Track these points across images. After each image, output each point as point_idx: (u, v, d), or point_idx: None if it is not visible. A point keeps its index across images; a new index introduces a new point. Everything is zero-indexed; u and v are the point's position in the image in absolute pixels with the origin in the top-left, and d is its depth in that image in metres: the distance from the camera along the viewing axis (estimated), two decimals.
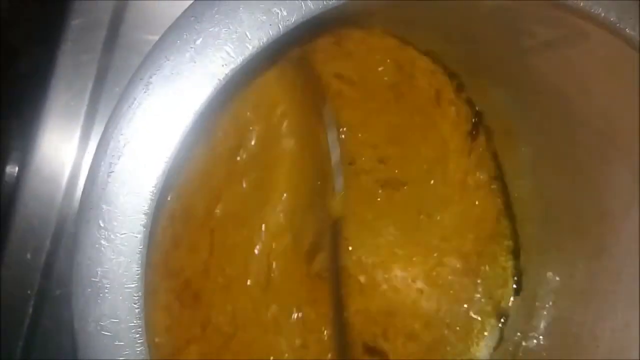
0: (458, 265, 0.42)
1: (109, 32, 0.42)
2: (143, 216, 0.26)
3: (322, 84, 0.38)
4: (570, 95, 0.35)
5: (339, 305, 0.38)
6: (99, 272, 0.26)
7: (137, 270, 0.26)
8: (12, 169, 0.42)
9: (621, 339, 0.36)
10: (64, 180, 0.41)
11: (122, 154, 0.26)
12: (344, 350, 0.38)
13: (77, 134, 0.41)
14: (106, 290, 0.26)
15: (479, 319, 0.43)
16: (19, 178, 0.41)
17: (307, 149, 0.36)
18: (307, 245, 0.36)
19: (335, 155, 0.38)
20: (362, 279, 0.40)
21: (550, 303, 0.40)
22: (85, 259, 0.26)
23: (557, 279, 0.40)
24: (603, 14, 0.29)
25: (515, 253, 0.43)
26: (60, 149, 0.41)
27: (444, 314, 0.42)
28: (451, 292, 0.42)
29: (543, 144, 0.40)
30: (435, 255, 0.42)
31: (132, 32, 0.42)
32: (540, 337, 0.41)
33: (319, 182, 0.37)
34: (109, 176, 0.26)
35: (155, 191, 0.26)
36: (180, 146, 0.27)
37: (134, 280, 0.26)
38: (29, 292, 0.41)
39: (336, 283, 0.38)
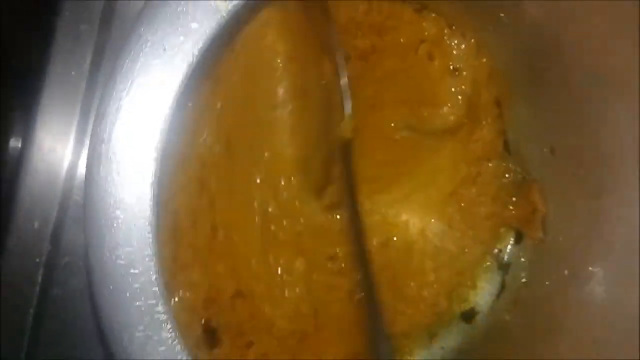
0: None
1: (106, 2, 0.42)
2: (153, 150, 0.27)
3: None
4: (565, 38, 0.36)
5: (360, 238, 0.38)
6: (111, 203, 0.26)
7: (149, 200, 0.27)
8: (15, 142, 0.42)
9: (619, 284, 0.36)
10: (68, 150, 0.41)
11: (128, 92, 0.27)
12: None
13: (79, 103, 0.42)
14: (120, 220, 0.26)
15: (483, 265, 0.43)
16: (22, 150, 0.41)
17: (311, 80, 0.36)
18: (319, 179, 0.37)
19: (343, 80, 0.38)
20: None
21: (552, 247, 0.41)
22: (98, 191, 0.26)
23: (559, 221, 0.41)
24: None
25: None
26: (62, 119, 0.41)
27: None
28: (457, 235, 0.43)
29: (542, 91, 0.40)
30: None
31: (129, 1, 0.43)
32: (546, 282, 0.41)
33: (327, 113, 0.38)
34: (117, 111, 0.27)
35: (164, 127, 0.27)
36: (185, 84, 0.28)
37: (147, 210, 0.26)
38: (37, 260, 0.41)
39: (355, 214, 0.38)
